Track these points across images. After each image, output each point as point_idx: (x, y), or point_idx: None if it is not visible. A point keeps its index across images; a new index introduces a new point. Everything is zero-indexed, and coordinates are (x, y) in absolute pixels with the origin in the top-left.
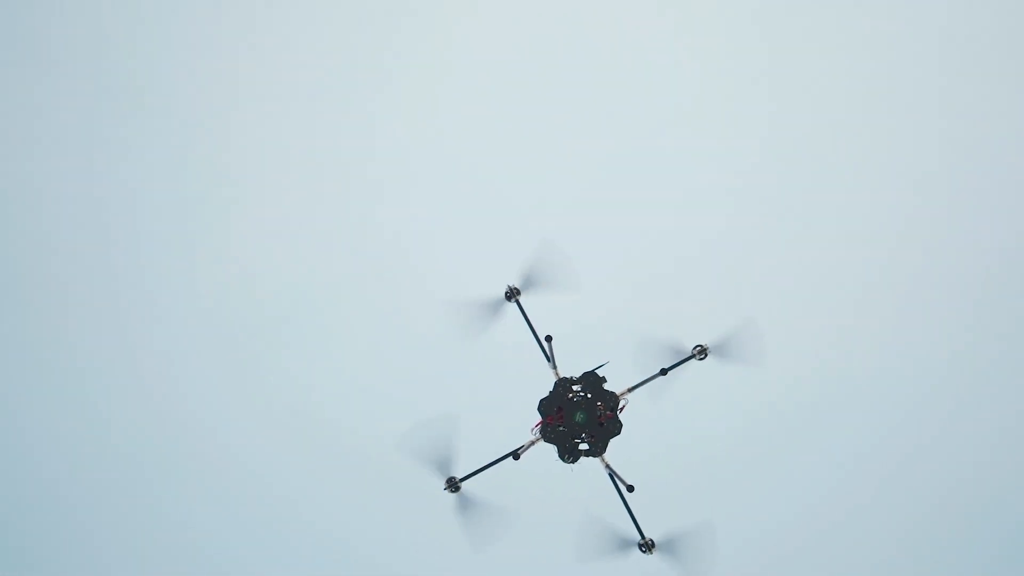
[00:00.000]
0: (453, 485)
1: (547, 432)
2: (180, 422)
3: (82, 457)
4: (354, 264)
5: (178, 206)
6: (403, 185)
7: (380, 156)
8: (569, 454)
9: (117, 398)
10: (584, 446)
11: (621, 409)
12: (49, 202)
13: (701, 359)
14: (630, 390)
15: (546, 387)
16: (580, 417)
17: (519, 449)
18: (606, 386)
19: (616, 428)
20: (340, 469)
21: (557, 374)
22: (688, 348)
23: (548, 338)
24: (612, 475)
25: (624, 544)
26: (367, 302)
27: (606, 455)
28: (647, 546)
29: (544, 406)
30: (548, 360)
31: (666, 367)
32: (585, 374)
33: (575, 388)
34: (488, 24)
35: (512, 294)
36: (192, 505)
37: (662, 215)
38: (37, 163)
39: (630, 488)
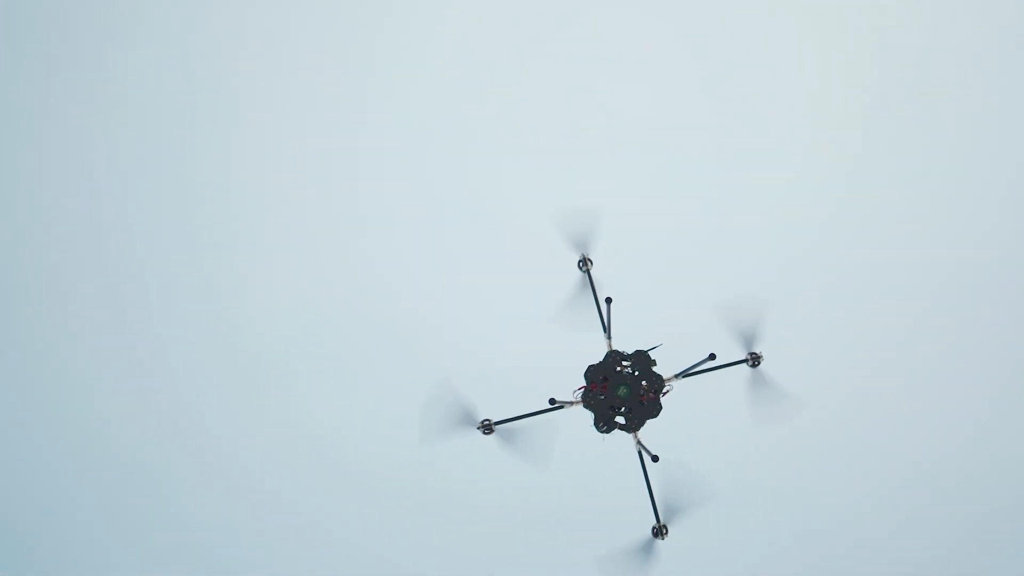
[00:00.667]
0: (487, 427)
1: (588, 398)
2: (190, 433)
3: (91, 465)
4: (362, 284)
5: (190, 227)
6: (415, 208)
7: (395, 179)
8: (605, 423)
9: (128, 411)
10: (621, 420)
11: (664, 393)
12: (67, 227)
13: (754, 366)
14: (677, 376)
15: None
16: (623, 391)
17: (555, 400)
18: (656, 369)
19: (655, 410)
20: (347, 483)
21: (610, 345)
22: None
23: (608, 300)
24: (640, 453)
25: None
26: (376, 319)
27: (639, 433)
28: (661, 531)
29: (591, 373)
30: (604, 329)
31: (715, 355)
32: (636, 352)
33: (624, 363)
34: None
35: (585, 263)
36: (200, 515)
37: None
38: (48, 186)
39: (655, 458)
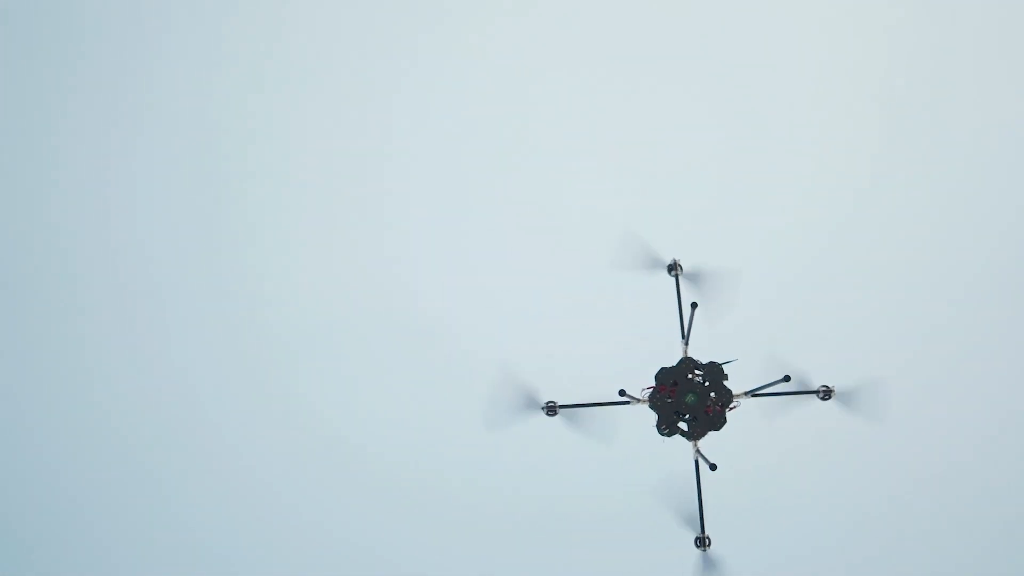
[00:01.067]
0: (551, 409)
1: (655, 399)
2: (196, 433)
3: (94, 462)
4: (377, 284)
5: (200, 222)
6: (435, 207)
7: (417, 178)
8: (667, 427)
9: (134, 409)
10: (684, 426)
11: (731, 408)
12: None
13: (824, 399)
14: (747, 394)
15: None
16: (691, 399)
17: (627, 393)
18: (726, 383)
19: (718, 423)
20: (358, 485)
21: (686, 351)
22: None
23: (694, 305)
24: (698, 460)
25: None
26: (391, 320)
27: (699, 443)
28: (704, 542)
29: (662, 375)
30: (683, 335)
31: (790, 377)
32: (711, 363)
33: (697, 372)
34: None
35: (675, 267)
36: (205, 515)
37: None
38: (63, 180)
39: (712, 467)
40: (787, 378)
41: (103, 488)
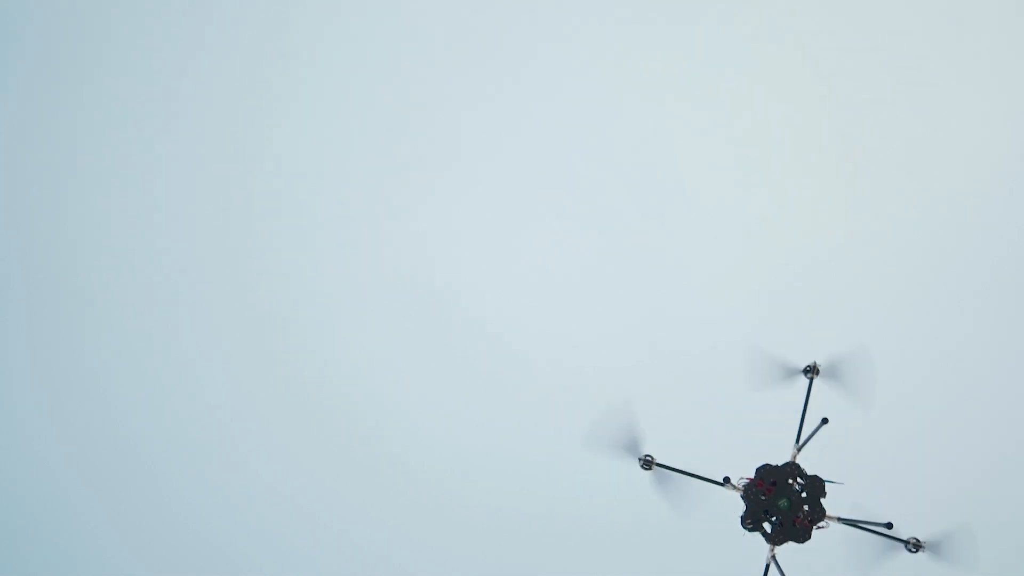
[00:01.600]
0: (646, 463)
1: (750, 491)
2: (196, 423)
3: (95, 455)
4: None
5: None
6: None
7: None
8: (752, 522)
9: (142, 406)
10: (768, 527)
11: (819, 527)
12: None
13: (912, 551)
14: (840, 520)
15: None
16: (784, 503)
17: (729, 479)
18: (823, 501)
19: (803, 536)
20: (357, 473)
21: (795, 456)
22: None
23: (824, 420)
24: (769, 566)
25: None
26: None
27: (778, 549)
28: None
29: (764, 472)
30: (798, 439)
31: (892, 524)
32: (813, 476)
33: (799, 480)
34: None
35: (812, 370)
36: (205, 504)
37: None
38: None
39: None
40: (889, 525)
41: (107, 484)
